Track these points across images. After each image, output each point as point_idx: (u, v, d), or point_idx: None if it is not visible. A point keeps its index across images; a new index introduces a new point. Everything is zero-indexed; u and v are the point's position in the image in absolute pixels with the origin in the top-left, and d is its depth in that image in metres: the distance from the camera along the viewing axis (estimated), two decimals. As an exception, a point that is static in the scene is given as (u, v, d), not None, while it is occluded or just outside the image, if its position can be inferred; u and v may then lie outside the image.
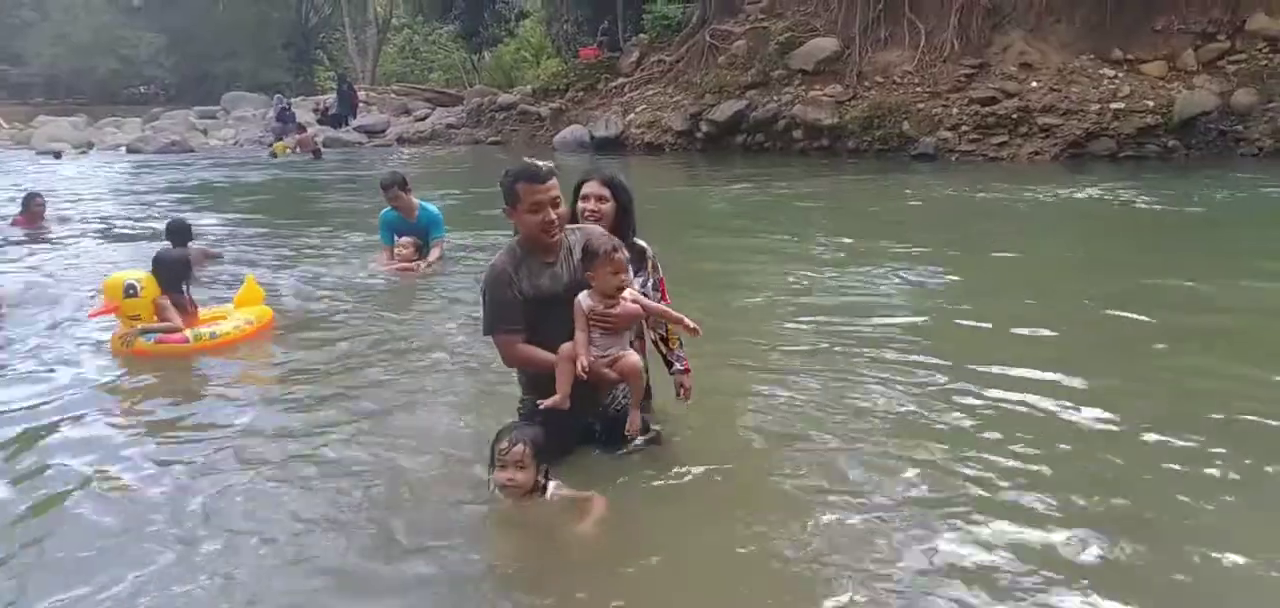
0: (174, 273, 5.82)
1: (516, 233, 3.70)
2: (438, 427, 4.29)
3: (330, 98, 30.57)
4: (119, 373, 5.31)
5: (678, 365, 4.02)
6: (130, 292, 5.58)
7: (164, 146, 24.40)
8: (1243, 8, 17.40)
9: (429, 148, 24.74)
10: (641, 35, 24.98)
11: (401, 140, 26.16)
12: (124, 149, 24.87)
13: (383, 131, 27.03)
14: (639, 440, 3.71)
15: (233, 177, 18.10)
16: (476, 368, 5.10)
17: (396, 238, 7.97)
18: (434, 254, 7.94)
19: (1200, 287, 6.86)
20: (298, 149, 23.05)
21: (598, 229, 3.77)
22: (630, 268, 3.67)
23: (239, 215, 12.00)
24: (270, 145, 23.53)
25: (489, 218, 11.15)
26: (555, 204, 3.57)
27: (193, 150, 24.58)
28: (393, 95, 32.57)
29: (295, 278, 7.83)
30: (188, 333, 5.60)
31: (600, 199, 3.95)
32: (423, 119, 28.07)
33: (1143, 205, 11.56)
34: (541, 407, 3.54)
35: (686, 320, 3.61)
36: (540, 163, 3.62)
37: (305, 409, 4.61)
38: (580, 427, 3.75)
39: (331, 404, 4.63)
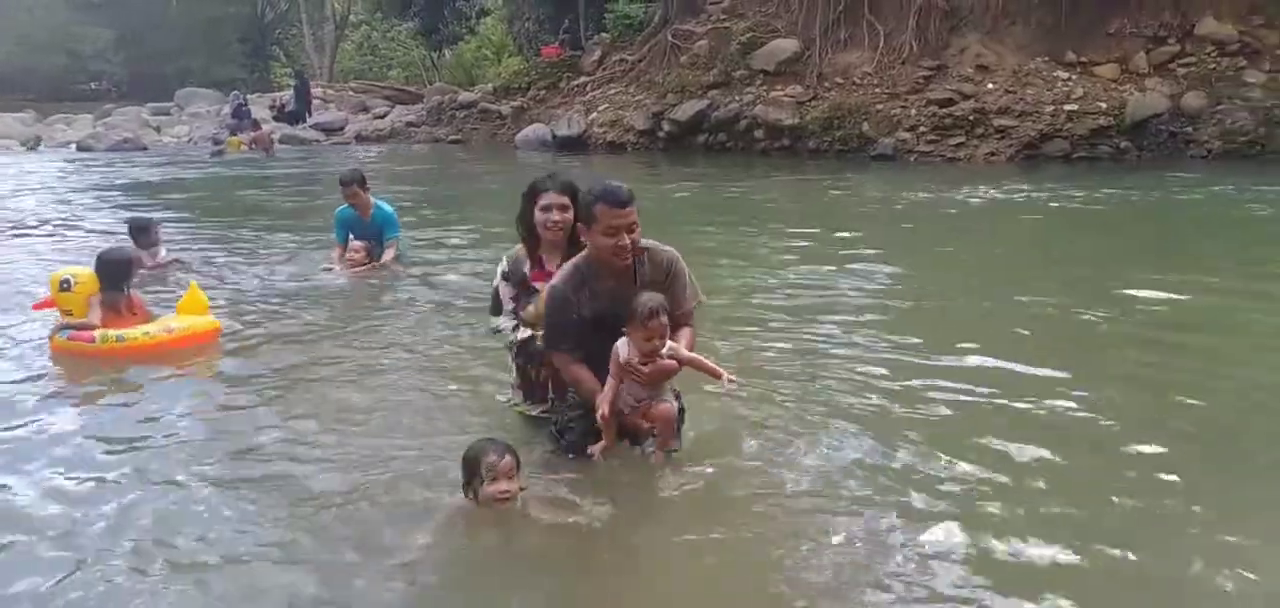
0: (115, 272, 5.74)
1: (580, 260, 3.67)
2: (391, 438, 4.21)
3: (287, 94, 30.17)
4: (52, 373, 5.23)
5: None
6: (64, 286, 5.57)
7: (115, 144, 23.90)
8: (1192, 12, 17.78)
9: (388, 146, 24.51)
10: (604, 34, 24.94)
11: (360, 138, 25.88)
12: (74, 146, 24.35)
13: (341, 129, 26.74)
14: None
15: (182, 175, 17.83)
16: (429, 373, 5.07)
17: (350, 238, 7.93)
18: (388, 255, 7.90)
19: (1150, 283, 6.98)
20: (252, 146, 22.71)
21: (663, 258, 3.71)
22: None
23: (190, 215, 11.80)
24: (222, 144, 23.05)
25: (444, 218, 11.12)
26: (631, 229, 3.52)
27: (145, 148, 24.13)
28: (351, 93, 32.22)
29: (247, 279, 7.74)
30: (96, 334, 5.45)
31: (562, 209, 3.91)
32: (382, 117, 27.81)
33: (1093, 206, 11.77)
34: (590, 454, 3.64)
35: (723, 373, 3.57)
36: (622, 186, 3.55)
37: (252, 418, 4.50)
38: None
39: (281, 414, 4.53)
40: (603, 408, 3.52)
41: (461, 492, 3.32)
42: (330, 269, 7.85)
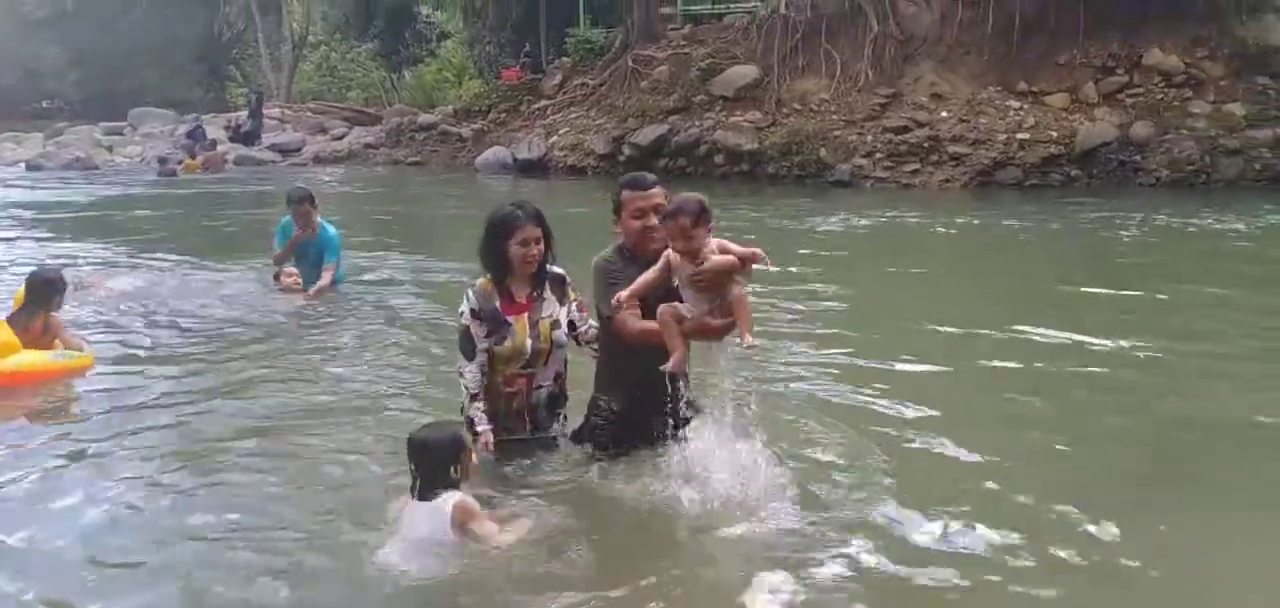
0: (39, 293, 5.86)
1: (618, 244, 3.81)
2: (330, 458, 4.20)
3: (242, 115, 29.82)
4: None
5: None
6: None
7: (67, 163, 23.47)
8: (1139, 44, 18.26)
9: (346, 168, 24.28)
10: (564, 58, 25.01)
11: (318, 159, 25.62)
12: (23, 165, 23.84)
13: (298, 150, 26.46)
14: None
15: (133, 195, 17.55)
16: (365, 394, 5.08)
17: (288, 265, 7.94)
18: (325, 279, 7.74)
19: (1096, 303, 7.13)
20: (205, 167, 22.41)
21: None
22: (558, 294, 3.80)
23: (138, 236, 11.60)
24: (170, 164, 22.61)
25: (389, 244, 11.04)
26: (658, 210, 3.68)
27: (97, 167, 23.70)
28: (309, 113, 31.91)
29: (183, 302, 7.65)
30: None
31: (538, 240, 3.93)
32: (340, 138, 27.54)
33: (1043, 231, 12.00)
34: (665, 369, 3.50)
35: (758, 252, 3.52)
36: (647, 174, 3.90)
37: (183, 445, 4.44)
38: (650, 428, 3.80)
39: (216, 439, 4.48)
40: (675, 365, 3.48)
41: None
42: (271, 288, 7.89)
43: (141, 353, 6.22)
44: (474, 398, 3.89)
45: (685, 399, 3.75)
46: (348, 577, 3.17)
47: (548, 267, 3.98)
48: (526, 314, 3.96)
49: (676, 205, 3.48)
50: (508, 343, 3.91)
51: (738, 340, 3.45)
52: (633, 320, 3.62)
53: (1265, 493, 3.88)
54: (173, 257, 10.04)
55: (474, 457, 3.41)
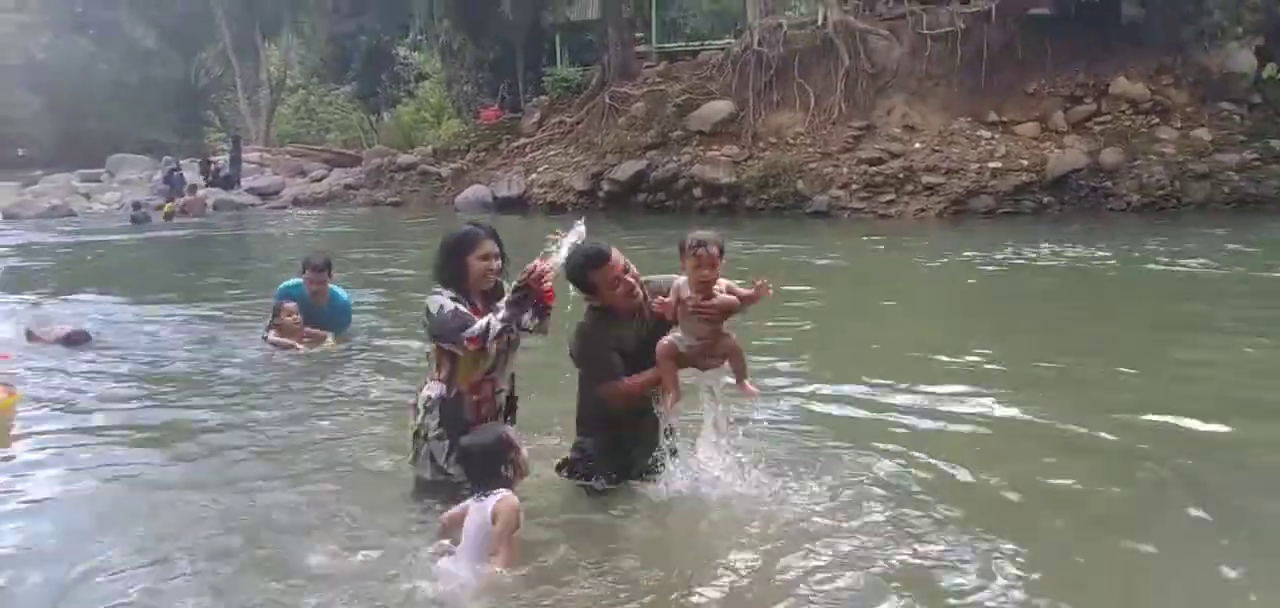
0: None
1: (591, 307, 3.91)
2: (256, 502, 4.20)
3: (222, 159, 29.79)
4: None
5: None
6: None
7: (44, 212, 23.30)
8: (1106, 73, 18.67)
9: (326, 209, 24.29)
10: (542, 96, 25.22)
11: (297, 202, 25.58)
12: (0, 215, 23.70)
13: (278, 193, 26.44)
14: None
15: (108, 242, 17.49)
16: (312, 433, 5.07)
17: (286, 303, 7.25)
18: (329, 340, 7.25)
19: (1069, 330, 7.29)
20: (184, 211, 22.37)
21: (661, 282, 3.94)
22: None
23: (108, 283, 11.44)
24: (145, 208, 22.48)
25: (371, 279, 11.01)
26: (627, 269, 3.82)
27: (75, 214, 23.58)
28: (288, 156, 31.91)
29: (172, 353, 7.47)
30: None
31: (496, 255, 4.05)
32: (319, 180, 27.53)
33: (1017, 259, 12.20)
34: (663, 410, 3.76)
35: (764, 286, 3.73)
36: (597, 244, 3.86)
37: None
38: (633, 462, 3.96)
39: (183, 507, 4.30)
40: (670, 406, 3.71)
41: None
42: (262, 349, 7.19)
43: (82, 399, 6.03)
44: (501, 312, 3.89)
45: (666, 429, 3.87)
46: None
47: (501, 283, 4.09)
48: None
49: (706, 238, 3.68)
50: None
51: (731, 383, 3.73)
52: (623, 384, 3.80)
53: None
54: (137, 303, 9.88)
55: (524, 452, 3.53)
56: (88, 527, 3.97)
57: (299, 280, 7.42)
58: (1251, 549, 3.54)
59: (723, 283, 3.70)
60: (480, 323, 3.86)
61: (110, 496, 4.36)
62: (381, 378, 6.35)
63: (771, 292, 3.71)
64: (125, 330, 8.33)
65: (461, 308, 3.92)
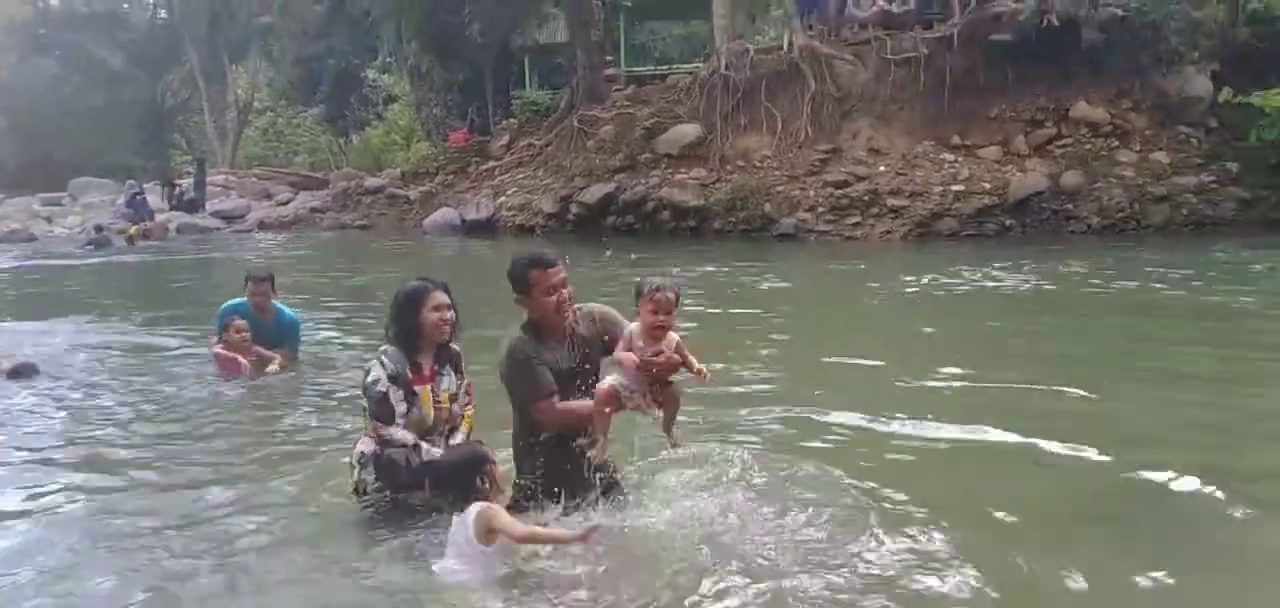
0: None
1: (526, 320, 3.83)
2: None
3: (186, 182, 29.53)
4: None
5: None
6: None
7: (3, 236, 22.98)
8: (1066, 97, 18.94)
9: (292, 233, 24.11)
10: (511, 119, 25.23)
11: (263, 225, 25.41)
12: (-43, 239, 23.31)
13: (243, 217, 26.22)
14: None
15: (68, 267, 17.24)
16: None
17: (236, 321, 7.13)
18: (278, 362, 7.17)
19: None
20: (145, 236, 22.11)
21: (593, 310, 3.97)
22: (455, 370, 4.00)
23: (72, 311, 11.29)
24: (106, 232, 22.21)
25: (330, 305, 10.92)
26: (564, 285, 3.76)
27: (36, 238, 23.26)
28: (254, 179, 31.68)
29: (115, 382, 7.34)
30: None
31: (449, 307, 4.09)
32: (285, 203, 27.37)
33: (981, 280, 12.31)
34: (591, 457, 3.64)
35: (704, 369, 3.65)
36: (546, 250, 3.87)
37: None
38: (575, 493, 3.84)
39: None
40: (598, 454, 3.62)
41: None
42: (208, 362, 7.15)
43: (21, 435, 5.89)
44: (415, 447, 3.93)
45: (602, 466, 3.82)
46: None
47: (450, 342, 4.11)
48: (430, 385, 4.07)
49: (664, 283, 3.60)
50: (413, 413, 3.98)
51: (656, 423, 3.68)
52: (559, 407, 3.74)
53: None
54: (89, 328, 9.77)
55: (499, 467, 3.65)
56: (35, 563, 3.89)
57: (242, 299, 7.33)
58: (1201, 561, 3.61)
59: (673, 338, 3.64)
60: (400, 435, 3.92)
61: (47, 532, 4.25)
62: (328, 409, 6.27)
63: (707, 379, 3.65)
64: (72, 360, 8.15)
65: (391, 396, 3.95)
